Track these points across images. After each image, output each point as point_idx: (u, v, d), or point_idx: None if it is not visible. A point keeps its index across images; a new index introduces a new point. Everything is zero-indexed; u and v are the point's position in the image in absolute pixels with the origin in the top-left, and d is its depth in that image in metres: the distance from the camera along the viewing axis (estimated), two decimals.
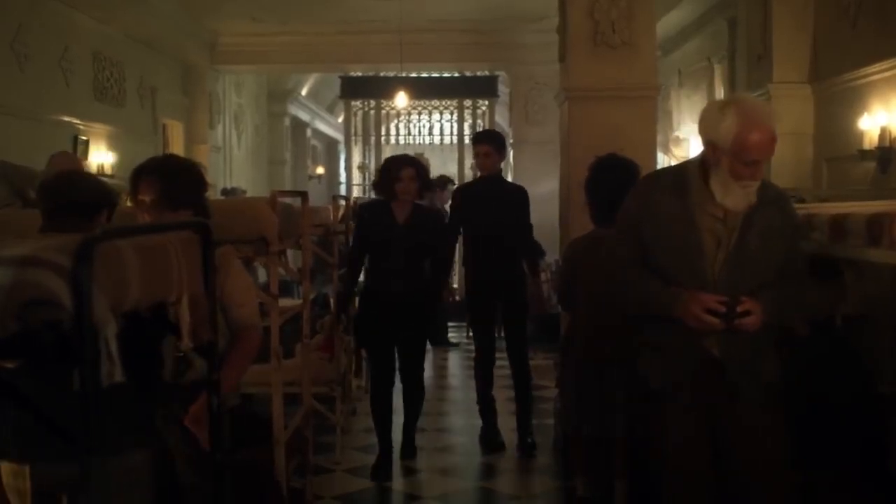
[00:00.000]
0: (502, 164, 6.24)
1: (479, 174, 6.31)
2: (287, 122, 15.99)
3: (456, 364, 9.04)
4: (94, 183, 2.97)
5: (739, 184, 2.84)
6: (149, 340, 2.21)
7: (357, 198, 9.81)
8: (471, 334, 6.57)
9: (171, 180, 3.09)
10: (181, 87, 11.18)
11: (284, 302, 5.34)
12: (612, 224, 4.01)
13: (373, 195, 6.23)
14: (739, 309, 2.83)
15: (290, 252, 5.25)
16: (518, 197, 5.92)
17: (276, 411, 3.78)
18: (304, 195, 4.50)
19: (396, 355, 5.43)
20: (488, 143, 5.98)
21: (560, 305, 4.44)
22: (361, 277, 5.63)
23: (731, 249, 2.89)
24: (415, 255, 5.28)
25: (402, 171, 5.21)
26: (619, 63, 5.75)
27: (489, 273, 5.80)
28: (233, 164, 13.25)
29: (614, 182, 4.00)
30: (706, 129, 2.90)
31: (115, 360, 1.78)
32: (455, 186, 9.19)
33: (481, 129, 6.53)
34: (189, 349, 2.30)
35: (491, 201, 5.78)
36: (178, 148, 11.03)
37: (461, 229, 6.01)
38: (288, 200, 4.54)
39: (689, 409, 2.97)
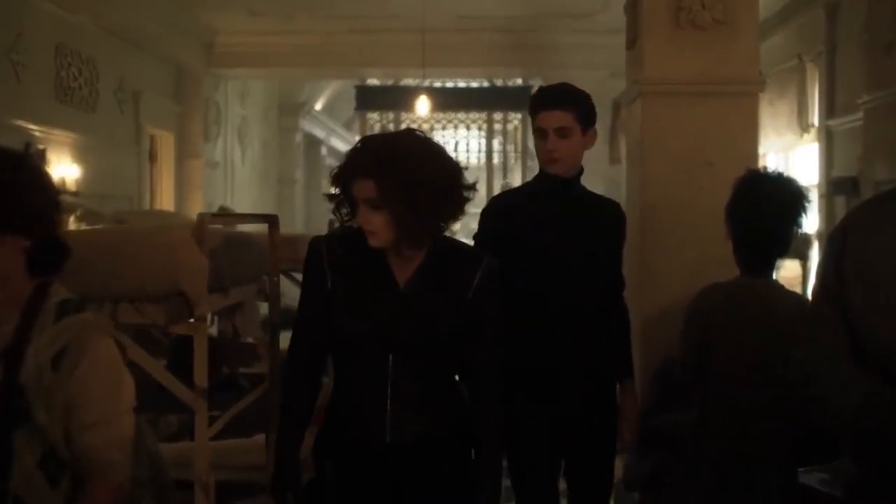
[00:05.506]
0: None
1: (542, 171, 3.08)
2: (299, 137, 15.00)
3: None
4: None
5: None
6: None
7: None
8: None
9: None
10: (173, 93, 9.88)
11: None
12: (763, 270, 2.98)
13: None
14: None
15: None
16: (609, 220, 3.14)
17: None
18: (271, 220, 2.94)
19: None
20: (564, 107, 2.91)
21: (683, 377, 3.12)
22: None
23: None
24: (434, 354, 2.31)
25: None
26: (709, 49, 4.41)
27: (554, 367, 2.92)
28: (235, 183, 12.00)
29: (757, 209, 2.95)
30: None
31: None
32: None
33: (546, 86, 3.11)
34: None
35: (558, 225, 2.96)
36: (167, 162, 9.74)
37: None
38: (248, 228, 3.10)
39: None
